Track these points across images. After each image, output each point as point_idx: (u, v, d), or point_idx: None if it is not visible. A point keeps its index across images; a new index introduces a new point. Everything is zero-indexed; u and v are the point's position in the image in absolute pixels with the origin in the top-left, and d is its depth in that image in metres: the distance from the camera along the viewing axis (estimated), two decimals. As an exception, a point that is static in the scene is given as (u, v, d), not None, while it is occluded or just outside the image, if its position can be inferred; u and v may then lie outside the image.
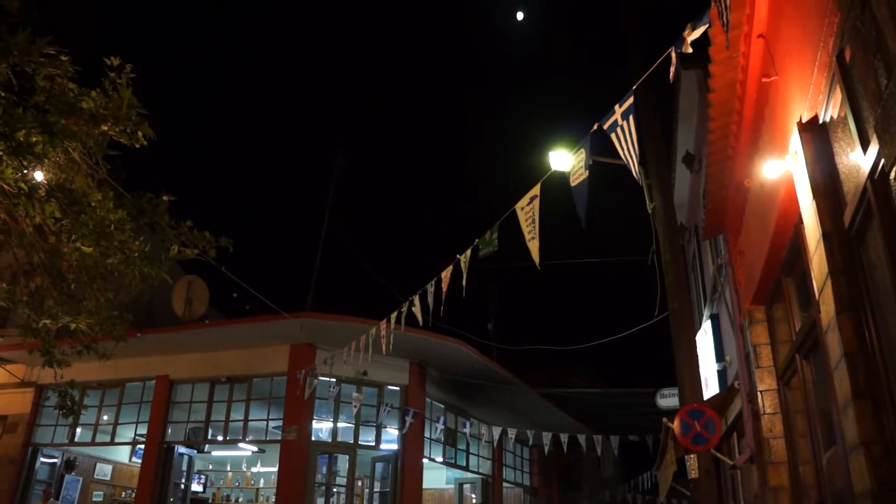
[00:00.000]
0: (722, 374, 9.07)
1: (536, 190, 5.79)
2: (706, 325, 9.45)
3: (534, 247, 5.66)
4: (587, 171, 5.17)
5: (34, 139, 5.51)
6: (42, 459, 15.82)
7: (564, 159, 6.20)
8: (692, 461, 8.29)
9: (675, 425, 7.16)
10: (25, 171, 5.75)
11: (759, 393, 6.70)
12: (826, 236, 3.81)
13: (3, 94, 5.14)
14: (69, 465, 16.24)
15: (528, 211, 5.78)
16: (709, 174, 6.75)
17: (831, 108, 3.69)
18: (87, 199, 6.26)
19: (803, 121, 4.04)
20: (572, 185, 5.26)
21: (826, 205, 3.85)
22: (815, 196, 3.91)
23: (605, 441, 15.57)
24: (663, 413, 10.78)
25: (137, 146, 6.59)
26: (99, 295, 7.71)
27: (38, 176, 5.99)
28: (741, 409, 7.94)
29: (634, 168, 4.69)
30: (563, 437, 15.49)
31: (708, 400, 8.49)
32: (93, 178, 6.94)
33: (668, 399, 13.62)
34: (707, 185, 7.15)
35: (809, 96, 3.97)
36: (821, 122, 3.89)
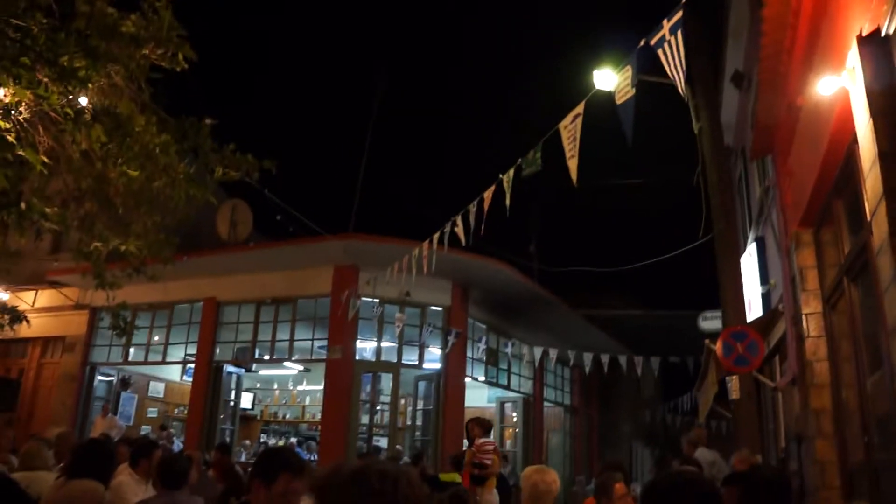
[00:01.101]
0: (766, 297, 8.99)
1: (580, 108, 5.70)
2: (751, 248, 9.33)
3: (573, 165, 5.60)
4: (633, 90, 5.06)
5: (77, 64, 5.52)
6: (99, 377, 16.42)
7: (609, 78, 6.08)
8: (733, 383, 8.29)
9: (718, 347, 7.16)
10: (70, 97, 5.79)
11: (803, 316, 6.64)
12: (882, 156, 3.69)
13: (44, 20, 5.14)
14: (124, 383, 16.81)
15: (570, 129, 5.71)
16: (759, 93, 6.58)
17: (896, 21, 3.53)
18: (132, 124, 6.29)
19: (863, 34, 3.87)
20: (618, 102, 5.17)
21: (884, 123, 3.72)
22: (872, 114, 3.77)
23: (645, 362, 15.62)
24: (705, 335, 10.75)
25: (178, 69, 6.58)
26: (146, 218, 7.84)
27: (83, 101, 6.02)
28: (784, 332, 7.89)
29: (681, 86, 4.58)
30: (604, 358, 15.58)
31: (751, 322, 8.44)
32: (136, 103, 6.97)
33: (710, 321, 13.56)
34: (756, 105, 6.97)
35: (872, 7, 3.79)
36: (883, 34, 3.72)
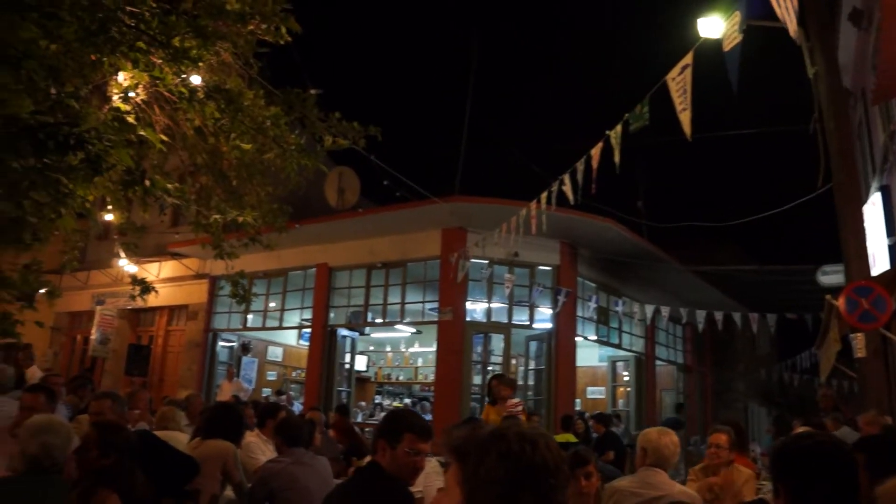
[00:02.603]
0: (893, 250, 8.56)
1: (689, 59, 5.55)
2: (875, 198, 8.89)
3: (685, 118, 5.46)
4: (741, 35, 4.90)
5: (188, 44, 5.72)
6: (221, 343, 17.21)
7: (716, 25, 5.88)
8: (858, 340, 7.96)
9: (840, 302, 6.88)
10: (183, 76, 6.01)
11: (934, 267, 6.32)
12: None
13: (155, 5, 5.33)
14: (245, 348, 17.54)
15: (679, 81, 5.56)
16: (882, 29, 6.22)
17: None
18: (242, 99, 6.49)
19: None
20: (725, 49, 5.01)
21: None
22: None
23: (760, 319, 15.18)
24: (825, 290, 10.34)
25: (282, 42, 6.73)
26: (259, 189, 8.11)
27: (196, 80, 6.24)
28: (914, 286, 7.53)
29: (793, 28, 4.40)
30: (718, 316, 15.22)
31: (877, 277, 8.07)
32: (243, 78, 7.19)
33: (830, 276, 13.02)
34: (879, 43, 6.60)
35: None
36: None
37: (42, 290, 6.81)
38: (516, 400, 9.68)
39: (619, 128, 6.43)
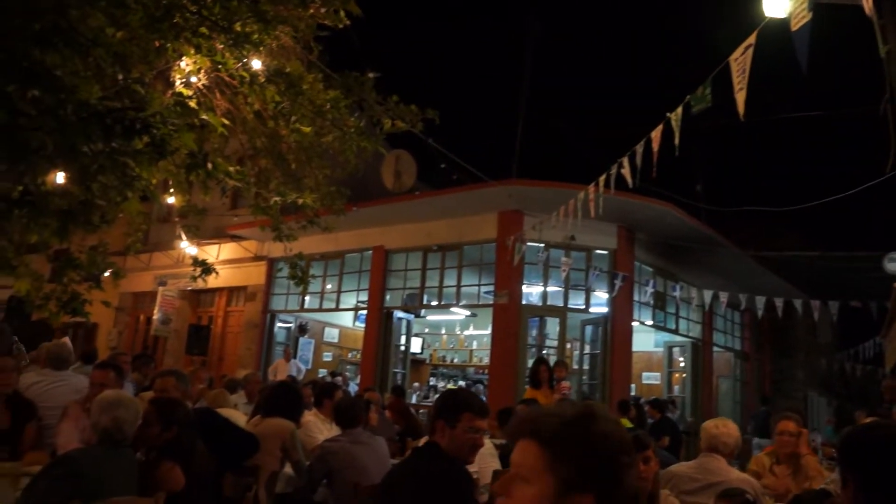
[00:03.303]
0: (962, 234, 8.32)
1: (752, 39, 5.43)
2: (946, 181, 8.64)
3: (741, 98, 5.35)
4: (810, 14, 4.78)
5: (249, 29, 5.81)
6: (279, 324, 17.49)
7: (781, 3, 5.74)
8: (925, 329, 7.75)
9: (909, 289, 6.72)
10: (245, 61, 6.10)
11: None
12: None
13: (215, -11, 5.42)
14: (302, 329, 17.80)
15: (740, 62, 5.46)
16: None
17: None
18: (302, 82, 6.57)
19: None
20: (793, 29, 4.89)
21: None
22: None
23: (822, 307, 14.83)
24: (892, 278, 10.08)
25: (341, 26, 6.78)
26: (317, 172, 8.20)
27: (257, 64, 6.32)
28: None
29: (867, 4, 4.26)
30: (778, 302, 14.93)
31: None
32: (302, 62, 7.26)
33: (898, 263, 12.69)
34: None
35: None
36: None
37: (107, 272, 7.01)
38: (567, 383, 9.70)
39: (679, 110, 6.32)
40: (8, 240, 5.60)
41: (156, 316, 18.18)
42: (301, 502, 5.22)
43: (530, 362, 13.23)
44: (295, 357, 16.61)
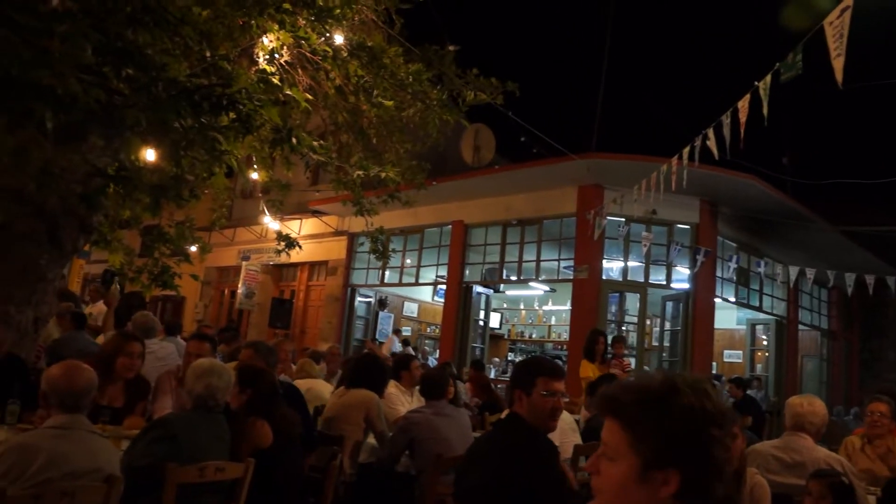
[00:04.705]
0: None
1: (849, 0, 5.21)
2: None
3: (838, 65, 5.11)
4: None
5: (332, 3, 5.86)
6: (359, 299, 17.76)
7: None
8: None
9: None
10: (327, 35, 6.16)
11: None
12: None
13: (297, -36, 5.48)
14: (382, 304, 18.05)
15: (836, 25, 5.22)
16: None
17: None
18: (384, 56, 6.61)
19: None
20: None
21: None
22: None
23: (917, 284, 14.26)
24: None
25: (422, -1, 6.80)
26: (398, 147, 8.27)
27: (338, 39, 6.38)
28: None
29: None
30: (868, 279, 14.42)
31: None
32: (383, 36, 7.30)
33: None
34: None
35: None
36: None
37: (194, 247, 7.24)
38: (628, 360, 9.63)
39: (768, 78, 6.10)
40: (103, 215, 5.83)
41: (240, 290, 18.66)
42: (384, 472, 5.31)
43: (610, 338, 13.15)
44: (374, 330, 16.90)
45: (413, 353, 14.44)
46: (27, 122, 3.84)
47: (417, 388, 6.62)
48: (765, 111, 6.18)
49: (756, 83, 6.27)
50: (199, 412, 3.76)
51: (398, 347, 14.81)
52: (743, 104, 6.58)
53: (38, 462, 2.93)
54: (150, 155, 5.07)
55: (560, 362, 15.50)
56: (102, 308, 8.75)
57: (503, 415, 3.47)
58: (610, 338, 9.68)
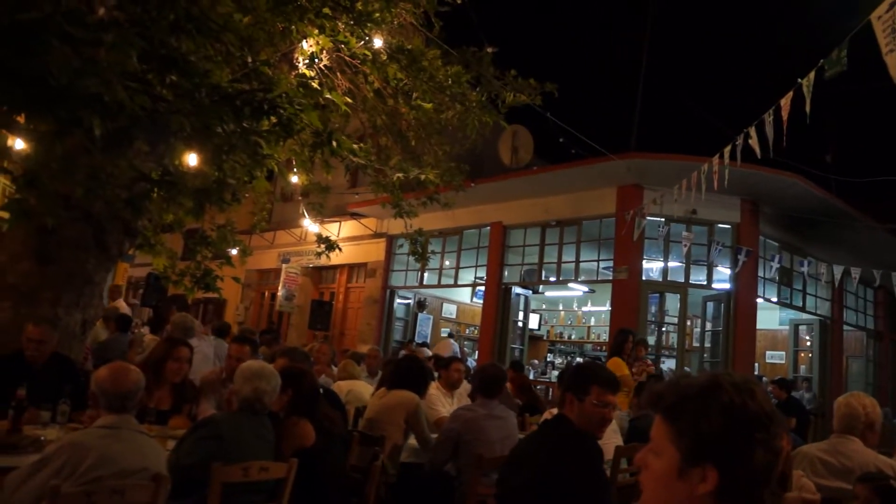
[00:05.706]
0: None
1: (899, -6, 5.09)
2: None
3: (891, 60, 4.97)
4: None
5: (371, 7, 5.91)
6: (398, 300, 17.81)
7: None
8: None
9: None
10: (366, 39, 6.21)
11: None
12: None
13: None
14: (421, 305, 18.10)
15: (885, 20, 5.10)
16: None
17: None
18: (423, 59, 6.64)
19: None
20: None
21: None
22: None
23: (966, 285, 13.94)
24: None
25: (459, 1, 6.81)
26: (437, 149, 8.30)
27: (377, 42, 6.43)
28: None
29: None
30: (916, 279, 14.13)
31: None
32: (421, 39, 7.34)
33: None
34: None
35: None
36: None
37: (235, 250, 7.34)
38: (650, 362, 9.59)
39: (811, 75, 6.01)
40: (148, 219, 5.93)
41: (280, 292, 18.84)
42: (426, 472, 5.33)
43: (650, 339, 13.05)
44: (413, 332, 16.95)
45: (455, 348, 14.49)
46: (75, 130, 3.92)
47: (457, 389, 6.63)
48: (808, 109, 6.09)
49: (799, 80, 6.18)
50: (246, 414, 3.82)
51: (456, 350, 14.78)
52: (786, 102, 6.49)
53: (88, 460, 3.01)
54: (192, 160, 5.15)
55: (599, 363, 15.48)
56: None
57: (549, 415, 3.47)
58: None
